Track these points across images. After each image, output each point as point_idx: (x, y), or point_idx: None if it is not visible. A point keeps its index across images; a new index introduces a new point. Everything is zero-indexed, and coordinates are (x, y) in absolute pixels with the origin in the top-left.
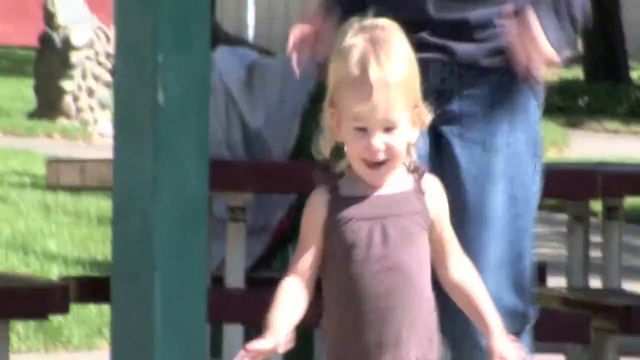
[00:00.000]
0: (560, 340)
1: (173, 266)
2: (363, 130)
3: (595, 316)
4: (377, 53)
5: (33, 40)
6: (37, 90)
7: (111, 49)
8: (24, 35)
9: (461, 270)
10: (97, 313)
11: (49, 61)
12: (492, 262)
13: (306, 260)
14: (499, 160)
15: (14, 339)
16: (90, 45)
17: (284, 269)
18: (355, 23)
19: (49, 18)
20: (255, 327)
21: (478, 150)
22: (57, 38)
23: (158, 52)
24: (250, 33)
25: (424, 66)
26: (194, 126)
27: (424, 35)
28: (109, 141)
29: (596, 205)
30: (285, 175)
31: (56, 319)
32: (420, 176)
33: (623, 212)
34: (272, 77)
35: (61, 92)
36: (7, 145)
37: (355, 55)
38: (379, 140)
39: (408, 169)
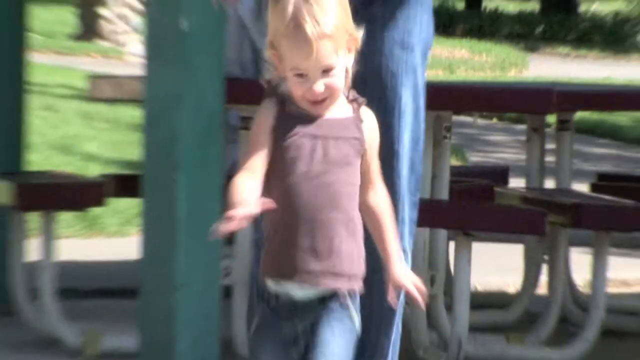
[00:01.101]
0: (520, 232)
1: (194, 166)
2: (304, 75)
3: (550, 212)
4: (310, 8)
5: None
6: (79, 16)
7: None
8: None
9: (378, 198)
10: (129, 205)
11: None
12: (405, 147)
13: (257, 160)
14: (414, 57)
15: (59, 227)
16: None
17: None
18: None
19: None
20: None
21: (397, 49)
22: None
23: None
24: None
25: None
26: (212, 49)
27: None
28: (139, 60)
29: (551, 118)
30: None
31: (95, 211)
32: (359, 106)
33: (573, 124)
34: None
35: (99, 18)
36: (53, 63)
37: (288, 12)
38: (320, 84)
39: (347, 98)
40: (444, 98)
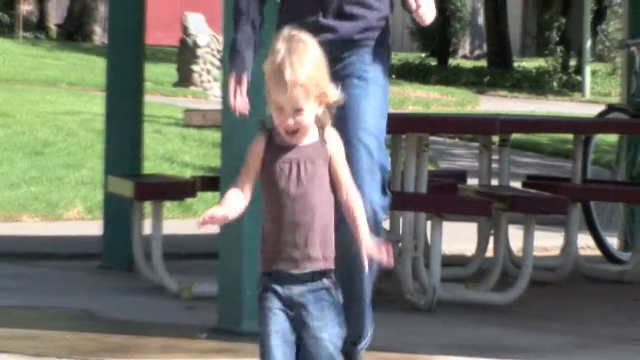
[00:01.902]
0: (475, 214)
1: None
2: (281, 109)
3: (495, 201)
4: (292, 60)
5: (176, 42)
6: (179, 70)
7: (220, 47)
8: (171, 39)
9: (351, 197)
10: (213, 197)
11: (185, 54)
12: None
13: (248, 178)
14: (370, 86)
15: (165, 211)
16: (208, 45)
17: None
18: (285, 32)
19: (184, 29)
20: None
21: (356, 80)
22: (189, 41)
23: None
24: None
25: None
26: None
27: (320, 19)
28: (219, 100)
29: (495, 138)
30: None
31: (189, 201)
32: (324, 130)
33: (510, 142)
34: None
35: (192, 72)
36: (161, 102)
37: (277, 59)
38: (291, 120)
39: (317, 124)
40: (424, 125)
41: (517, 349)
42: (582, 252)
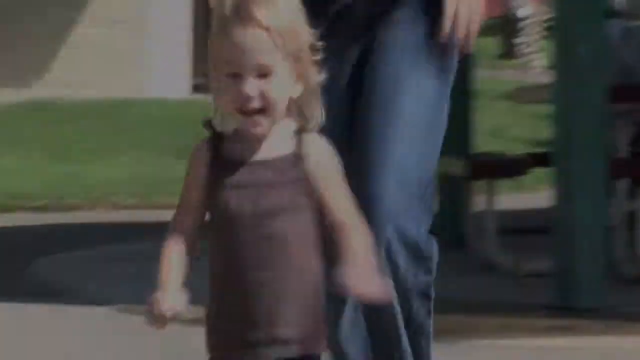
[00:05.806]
0: None
1: (585, 148)
2: (236, 76)
3: None
4: None
5: (497, 14)
6: (502, 42)
7: (544, 18)
8: (491, 12)
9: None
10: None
11: (508, 26)
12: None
13: (188, 218)
14: (418, 71)
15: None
16: (531, 16)
17: None
18: None
19: (505, 2)
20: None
21: (396, 52)
22: (511, 13)
23: (577, 24)
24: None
25: None
26: (599, 67)
27: None
28: (543, 71)
29: None
30: None
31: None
32: (302, 137)
33: None
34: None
35: (515, 44)
36: (485, 75)
37: (229, 1)
38: (251, 86)
39: (295, 131)
40: None
41: None
42: None
